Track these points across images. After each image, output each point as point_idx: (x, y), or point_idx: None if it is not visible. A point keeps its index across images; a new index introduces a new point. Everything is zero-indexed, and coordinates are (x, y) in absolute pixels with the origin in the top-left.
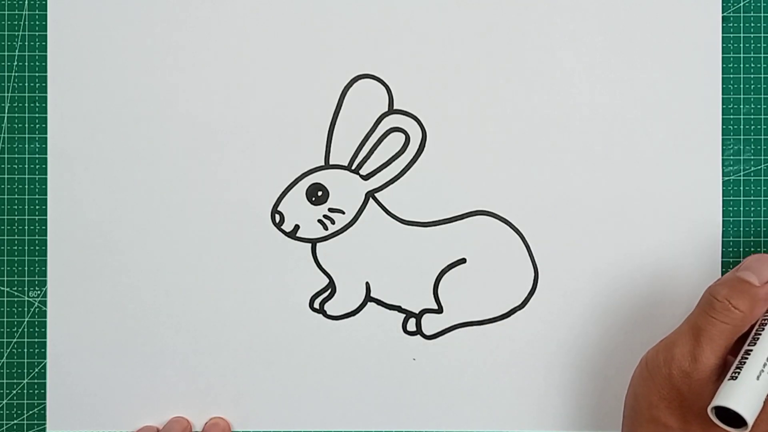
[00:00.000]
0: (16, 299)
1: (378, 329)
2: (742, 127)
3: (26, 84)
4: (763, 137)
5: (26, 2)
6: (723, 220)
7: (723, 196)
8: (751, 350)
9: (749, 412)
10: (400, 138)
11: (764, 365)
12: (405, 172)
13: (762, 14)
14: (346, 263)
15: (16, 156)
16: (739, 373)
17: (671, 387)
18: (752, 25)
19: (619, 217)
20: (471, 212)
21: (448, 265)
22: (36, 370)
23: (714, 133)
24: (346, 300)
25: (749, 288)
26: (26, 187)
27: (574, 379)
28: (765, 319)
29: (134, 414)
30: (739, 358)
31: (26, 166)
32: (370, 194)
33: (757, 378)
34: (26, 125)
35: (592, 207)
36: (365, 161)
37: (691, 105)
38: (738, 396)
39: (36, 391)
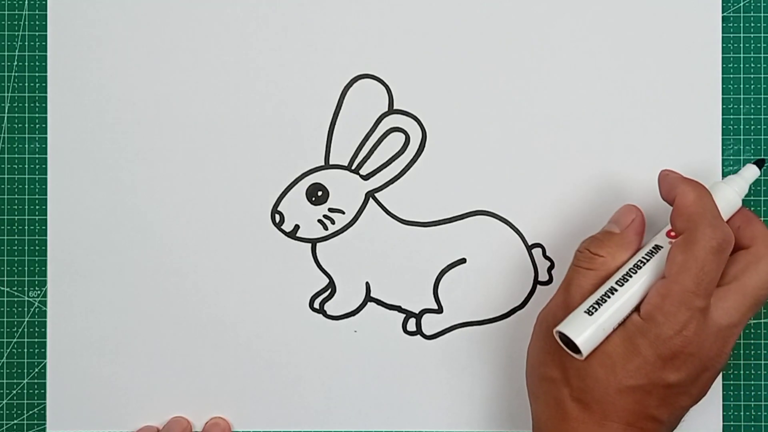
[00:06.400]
0: (16, 299)
1: (378, 329)
2: (742, 127)
3: (26, 84)
4: (763, 137)
5: (26, 2)
6: None
7: None
8: (617, 290)
9: (589, 346)
10: (400, 138)
11: (623, 315)
12: (405, 172)
13: (762, 14)
14: (346, 263)
15: (16, 156)
16: (596, 309)
17: (552, 340)
18: (752, 25)
19: None
20: (471, 212)
21: (448, 265)
22: (36, 370)
23: (714, 133)
24: (346, 300)
25: (609, 236)
26: (26, 187)
27: None
28: (640, 262)
29: (134, 414)
30: (601, 293)
31: (26, 166)
32: (370, 194)
33: (615, 323)
34: (26, 125)
35: (592, 207)
36: (365, 161)
37: (691, 105)
38: (589, 333)
39: (36, 391)
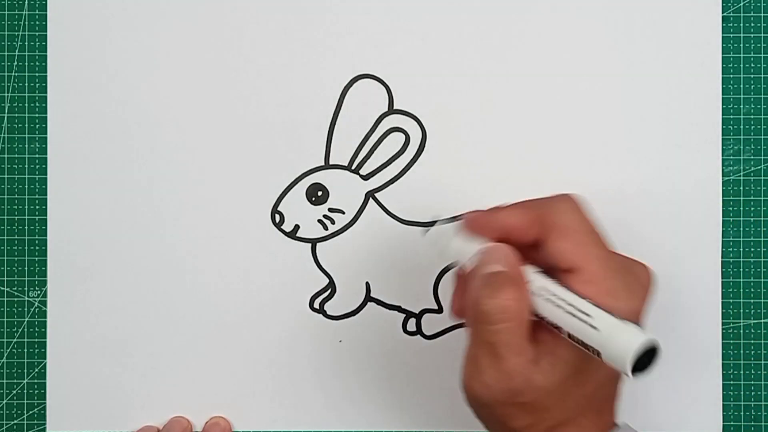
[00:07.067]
0: (16, 299)
1: (378, 329)
2: (742, 127)
3: (26, 84)
4: (763, 137)
5: (26, 2)
6: (723, 220)
7: (723, 196)
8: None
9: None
10: (400, 138)
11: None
12: (405, 172)
13: (762, 14)
14: (346, 263)
15: (16, 156)
16: (591, 318)
17: (503, 401)
18: (752, 25)
19: (619, 217)
20: (471, 212)
21: (448, 265)
22: (36, 370)
23: (714, 133)
24: (346, 300)
25: (504, 277)
26: (26, 187)
27: None
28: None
29: (134, 414)
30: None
31: (26, 166)
32: (370, 194)
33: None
34: (26, 125)
35: (591, 207)
36: (365, 161)
37: (691, 105)
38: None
39: (36, 391)
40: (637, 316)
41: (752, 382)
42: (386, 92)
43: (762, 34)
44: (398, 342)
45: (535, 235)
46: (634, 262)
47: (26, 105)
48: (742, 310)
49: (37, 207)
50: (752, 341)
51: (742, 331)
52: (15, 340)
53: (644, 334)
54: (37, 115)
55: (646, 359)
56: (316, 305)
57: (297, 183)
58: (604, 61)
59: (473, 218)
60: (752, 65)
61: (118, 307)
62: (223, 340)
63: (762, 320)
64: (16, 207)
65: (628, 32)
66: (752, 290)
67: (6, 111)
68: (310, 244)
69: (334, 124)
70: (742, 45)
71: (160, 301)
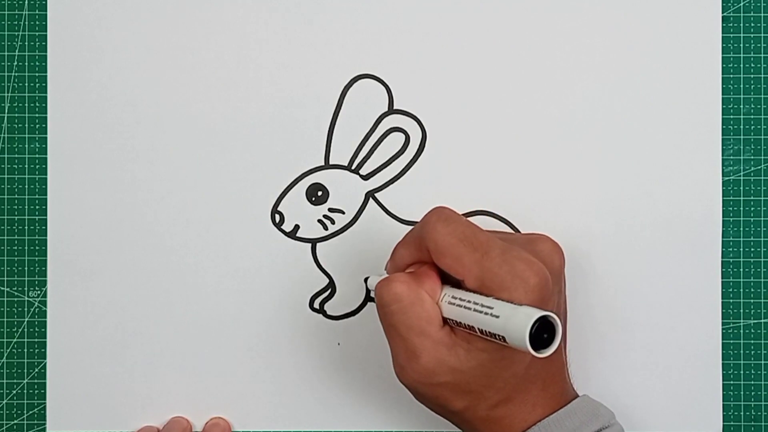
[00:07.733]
0: (16, 299)
1: (378, 329)
2: (742, 127)
3: (26, 84)
4: (763, 137)
5: (26, 2)
6: (723, 220)
7: (723, 196)
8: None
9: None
10: (400, 138)
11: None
12: (405, 172)
13: (762, 14)
14: (346, 263)
15: (16, 156)
16: (492, 310)
17: (439, 383)
18: (752, 25)
19: (619, 217)
20: (471, 212)
21: None
22: (36, 370)
23: (714, 133)
24: (346, 300)
25: (394, 275)
26: (26, 187)
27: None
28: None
29: (134, 414)
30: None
31: (26, 166)
32: (370, 194)
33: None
34: (26, 125)
35: (591, 207)
36: (365, 161)
37: (691, 105)
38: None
39: (36, 391)
40: (542, 291)
41: (752, 382)
42: (386, 92)
43: (762, 34)
44: None
45: (427, 258)
46: (529, 239)
47: (26, 105)
48: (742, 310)
49: (37, 207)
50: (752, 341)
51: (742, 331)
52: (15, 340)
53: (537, 312)
54: (37, 115)
55: (546, 335)
56: (316, 305)
57: (297, 183)
58: (604, 61)
59: (389, 267)
60: (752, 65)
61: (118, 307)
62: (223, 340)
63: (762, 320)
64: (16, 207)
65: (628, 32)
66: (752, 290)
67: (6, 111)
68: (310, 244)
69: (334, 124)
70: (742, 45)
71: (160, 301)
